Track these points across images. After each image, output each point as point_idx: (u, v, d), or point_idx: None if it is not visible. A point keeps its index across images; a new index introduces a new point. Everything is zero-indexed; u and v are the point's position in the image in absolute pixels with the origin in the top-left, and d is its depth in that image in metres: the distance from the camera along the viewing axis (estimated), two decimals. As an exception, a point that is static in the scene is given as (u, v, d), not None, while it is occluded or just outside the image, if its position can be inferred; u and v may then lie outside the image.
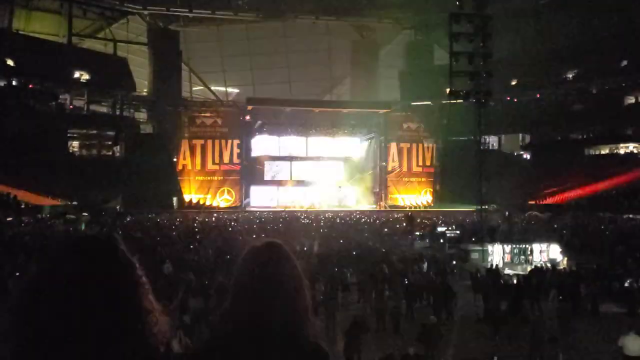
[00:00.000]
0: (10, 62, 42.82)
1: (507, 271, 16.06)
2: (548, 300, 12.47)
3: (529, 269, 16.02)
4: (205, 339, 1.59)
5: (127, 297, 1.25)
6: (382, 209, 45.09)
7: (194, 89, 61.09)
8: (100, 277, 1.22)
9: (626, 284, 13.57)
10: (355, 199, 48.47)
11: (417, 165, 47.81)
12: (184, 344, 5.36)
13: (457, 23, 24.36)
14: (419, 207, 45.26)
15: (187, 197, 43.78)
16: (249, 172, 45.84)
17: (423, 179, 47.77)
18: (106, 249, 1.29)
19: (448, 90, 25.23)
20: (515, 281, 14.25)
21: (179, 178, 43.42)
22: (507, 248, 17.45)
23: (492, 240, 18.40)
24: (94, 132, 48.43)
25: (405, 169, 47.58)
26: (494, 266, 15.94)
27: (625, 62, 44.63)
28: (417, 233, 24.74)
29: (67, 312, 1.17)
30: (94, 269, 1.23)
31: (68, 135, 46.79)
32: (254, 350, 1.46)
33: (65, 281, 1.20)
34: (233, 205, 44.37)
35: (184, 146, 44.28)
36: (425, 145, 47.71)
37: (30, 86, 44.37)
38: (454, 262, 17.53)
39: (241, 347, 1.47)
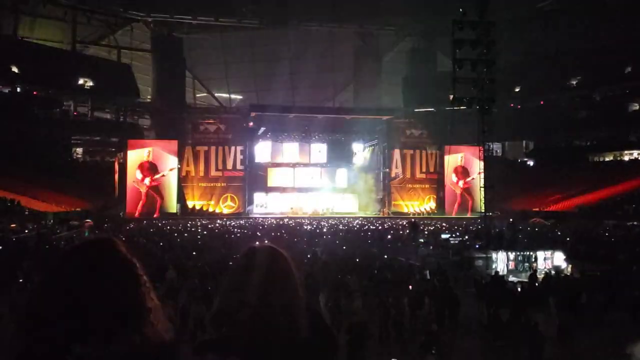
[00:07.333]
0: (15, 69, 43.07)
1: (511, 278, 15.98)
2: (551, 308, 12.40)
3: (533, 276, 15.94)
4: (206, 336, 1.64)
5: (129, 296, 1.29)
6: (385, 215, 44.99)
7: (197, 95, 61.35)
8: (102, 277, 1.27)
9: (632, 292, 13.46)
10: (359, 205, 48.51)
11: (421, 172, 47.72)
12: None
13: (461, 30, 24.41)
14: (423, 214, 45.17)
15: (190, 204, 43.81)
16: (252, 178, 45.85)
17: (426, 186, 47.67)
18: (107, 250, 1.34)
19: (451, 97, 25.24)
20: (519, 288, 14.17)
21: (182, 184, 43.46)
22: (511, 255, 17.36)
23: (496, 248, 18.31)
24: (98, 138, 48.64)
25: (408, 175, 47.51)
26: (498, 273, 15.86)
27: (629, 69, 44.65)
28: (421, 240, 24.66)
29: (72, 311, 1.21)
30: (96, 270, 1.28)
31: (72, 141, 46.98)
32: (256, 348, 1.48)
33: (69, 282, 1.25)
34: (236, 211, 44.36)
35: (187, 152, 44.33)
36: (429, 151, 47.63)
37: (34, 93, 44.60)
38: (458, 270, 17.44)
39: (239, 345, 1.49)
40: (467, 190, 45.43)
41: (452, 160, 45.79)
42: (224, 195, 44.90)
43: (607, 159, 46.86)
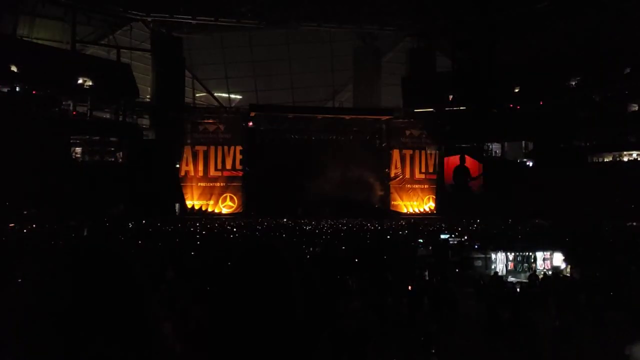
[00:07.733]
0: (14, 69, 43.02)
1: (510, 279, 16.00)
2: (550, 309, 12.38)
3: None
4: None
5: (127, 297, 1.30)
6: (384, 215, 44.97)
7: (197, 95, 61.33)
8: (100, 278, 1.28)
9: (630, 292, 13.46)
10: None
11: (420, 172, 47.76)
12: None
13: (461, 30, 24.43)
14: (422, 214, 45.21)
15: (189, 204, 43.84)
16: (251, 178, 45.86)
17: (426, 186, 47.71)
18: (105, 251, 1.35)
19: (451, 97, 25.28)
20: (518, 289, 14.16)
21: (181, 184, 43.48)
22: (511, 256, 17.37)
23: (496, 248, 18.31)
24: (97, 138, 48.61)
25: (408, 175, 47.53)
26: (497, 274, 15.87)
27: (628, 70, 44.67)
28: (420, 240, 24.68)
29: (70, 312, 1.21)
30: (94, 271, 1.29)
31: (71, 141, 46.94)
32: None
33: (68, 284, 1.26)
34: (235, 211, 44.37)
35: (187, 152, 44.37)
36: (428, 152, 47.66)
37: (33, 92, 44.54)
38: (457, 270, 17.44)
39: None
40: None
41: (452, 160, 45.83)
42: (223, 195, 44.93)
43: (606, 160, 46.89)
